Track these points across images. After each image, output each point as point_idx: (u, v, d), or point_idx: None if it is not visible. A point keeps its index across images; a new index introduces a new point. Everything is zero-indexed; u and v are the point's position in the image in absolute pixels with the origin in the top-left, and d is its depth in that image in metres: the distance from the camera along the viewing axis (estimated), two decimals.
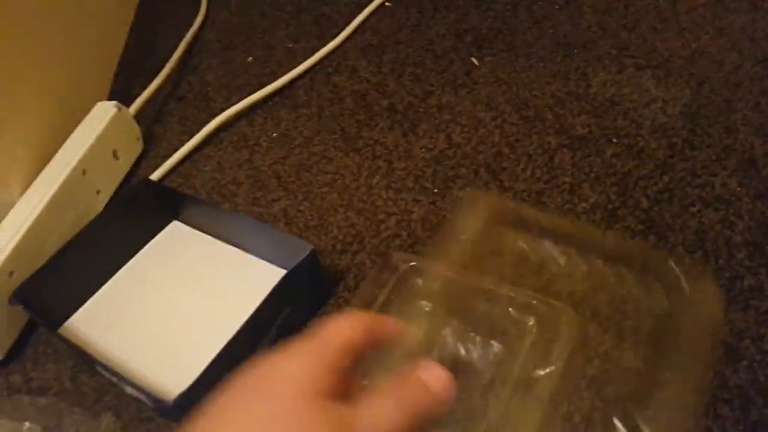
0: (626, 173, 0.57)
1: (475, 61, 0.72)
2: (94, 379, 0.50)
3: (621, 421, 0.43)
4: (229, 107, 0.72)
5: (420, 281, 0.48)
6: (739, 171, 0.55)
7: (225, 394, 0.29)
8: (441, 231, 0.56)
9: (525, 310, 0.44)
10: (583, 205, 0.56)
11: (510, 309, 0.45)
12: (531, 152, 0.60)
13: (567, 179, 0.58)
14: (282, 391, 0.28)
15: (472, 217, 0.45)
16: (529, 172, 0.59)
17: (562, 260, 0.51)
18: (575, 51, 0.71)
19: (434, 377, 0.31)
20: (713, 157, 0.56)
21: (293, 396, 0.27)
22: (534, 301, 0.44)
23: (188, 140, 0.71)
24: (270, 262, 0.54)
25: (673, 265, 0.44)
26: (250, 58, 0.81)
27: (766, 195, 0.53)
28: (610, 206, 0.55)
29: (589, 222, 0.54)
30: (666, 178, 0.56)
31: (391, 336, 0.34)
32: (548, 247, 0.48)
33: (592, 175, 0.58)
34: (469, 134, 0.63)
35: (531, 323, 0.44)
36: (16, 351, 0.53)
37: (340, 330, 0.31)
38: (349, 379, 0.31)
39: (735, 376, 0.44)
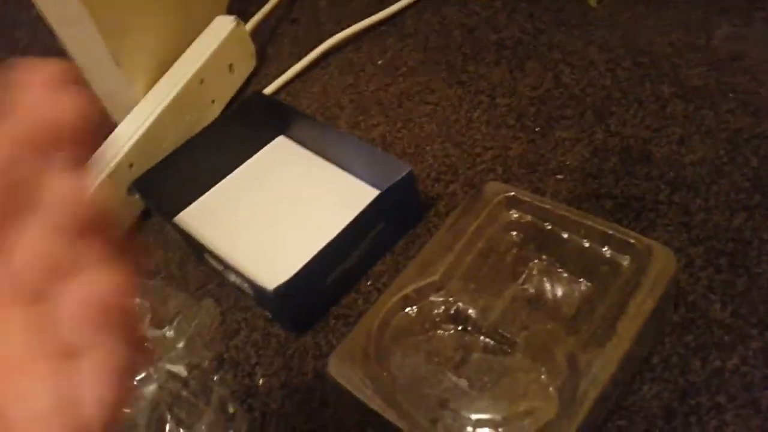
0: (738, 130, 0.55)
1: (592, 3, 0.70)
2: (199, 270, 0.54)
3: (700, 368, 0.43)
4: (338, 32, 0.74)
5: (513, 213, 0.49)
6: None
7: None
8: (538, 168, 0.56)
9: (621, 249, 0.44)
10: (690, 157, 0.54)
11: (605, 247, 0.45)
12: (643, 99, 0.59)
13: (677, 130, 0.56)
14: None
15: None
16: (638, 119, 0.57)
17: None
18: (699, 0, 0.68)
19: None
20: None
21: None
22: (631, 240, 0.44)
23: (298, 62, 0.73)
24: (368, 182, 0.56)
25: None
26: None
27: None
28: (717, 161, 0.53)
29: (695, 176, 0.53)
30: None
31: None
32: None
33: (703, 128, 0.56)
34: (579, 76, 0.62)
35: (626, 263, 0.44)
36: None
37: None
38: None
39: None
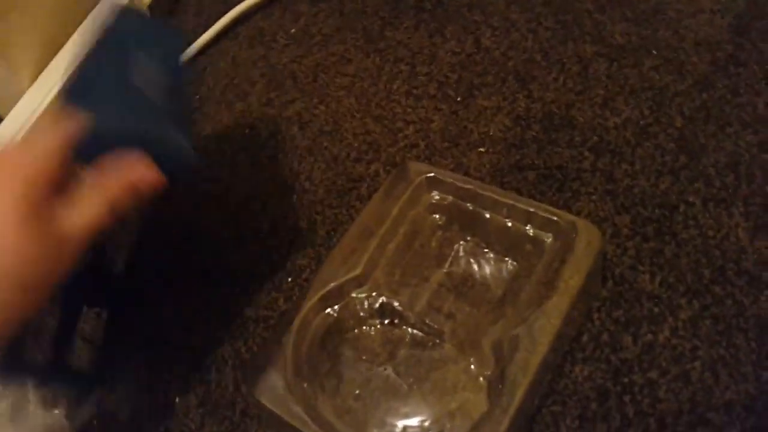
0: (663, 88, 0.54)
1: None
2: None
3: (631, 343, 0.42)
4: None
5: (436, 194, 0.46)
6: None
7: None
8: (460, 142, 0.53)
9: (544, 227, 0.43)
10: (614, 120, 0.53)
11: (528, 226, 0.43)
12: (565, 60, 0.56)
13: (600, 91, 0.54)
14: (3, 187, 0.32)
15: None
16: (560, 82, 0.55)
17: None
18: None
19: (140, 174, 0.35)
20: (759, 75, 0.52)
21: (10, 207, 0.31)
22: (554, 218, 0.42)
23: (203, 33, 0.68)
24: None
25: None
26: None
27: None
28: (642, 122, 0.52)
29: (619, 139, 0.51)
30: (704, 96, 0.52)
31: None
32: None
33: (627, 88, 0.54)
34: (500, 38, 0.59)
35: (549, 240, 0.43)
36: None
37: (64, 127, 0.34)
38: (68, 167, 0.34)
39: (754, 306, 0.42)
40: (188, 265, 0.53)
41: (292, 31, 0.66)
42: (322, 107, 0.59)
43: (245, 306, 0.49)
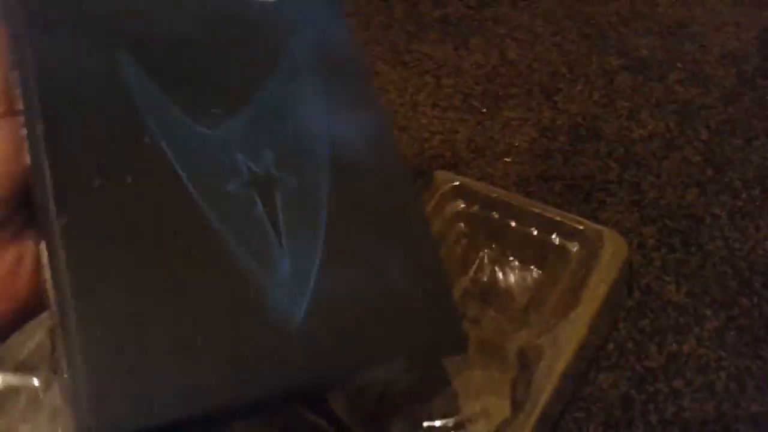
0: (688, 101, 0.54)
1: None
2: None
3: (656, 352, 0.42)
4: None
5: (461, 203, 0.47)
6: None
7: None
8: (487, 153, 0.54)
9: (570, 236, 0.43)
10: (640, 132, 0.53)
11: (554, 235, 0.44)
12: (590, 73, 0.57)
13: (625, 104, 0.55)
14: None
15: None
16: (586, 94, 0.56)
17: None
18: None
19: None
20: None
21: None
22: (581, 227, 0.42)
23: None
24: None
25: None
26: None
27: None
28: (668, 135, 0.52)
29: (645, 151, 0.52)
30: (731, 109, 0.52)
31: None
32: None
33: (653, 101, 0.54)
34: (525, 51, 0.60)
35: (575, 249, 0.43)
36: None
37: None
38: None
39: None
40: None
41: None
42: None
43: None
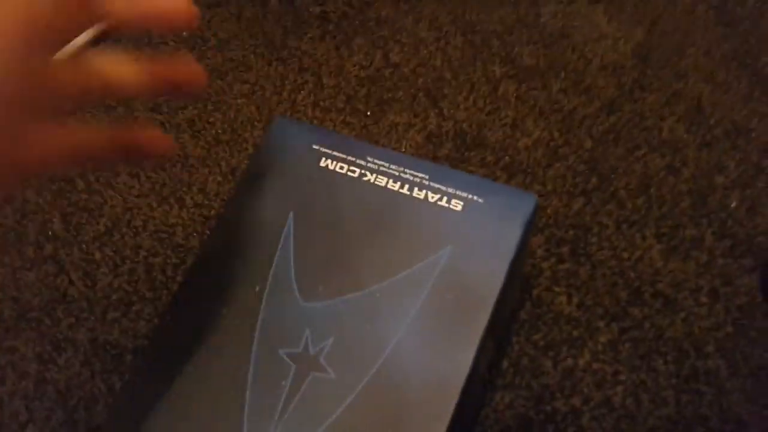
0: (571, 110, 0.53)
1: None
2: None
3: (551, 368, 0.40)
4: None
5: None
6: (686, 117, 0.52)
7: None
8: None
9: None
10: (525, 140, 0.52)
11: None
12: (474, 80, 0.55)
13: (510, 112, 0.53)
14: None
15: None
16: (471, 101, 0.54)
17: None
18: None
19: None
20: (662, 101, 0.53)
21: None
22: None
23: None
24: None
25: None
26: None
27: (712, 144, 0.51)
28: (552, 143, 0.51)
29: (531, 160, 0.50)
30: (612, 119, 0.52)
31: None
32: None
33: (537, 109, 0.53)
34: (409, 54, 0.57)
35: None
36: None
37: None
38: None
39: (671, 328, 0.41)
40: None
41: (184, 34, 0.61)
42: (218, 114, 0.54)
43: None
